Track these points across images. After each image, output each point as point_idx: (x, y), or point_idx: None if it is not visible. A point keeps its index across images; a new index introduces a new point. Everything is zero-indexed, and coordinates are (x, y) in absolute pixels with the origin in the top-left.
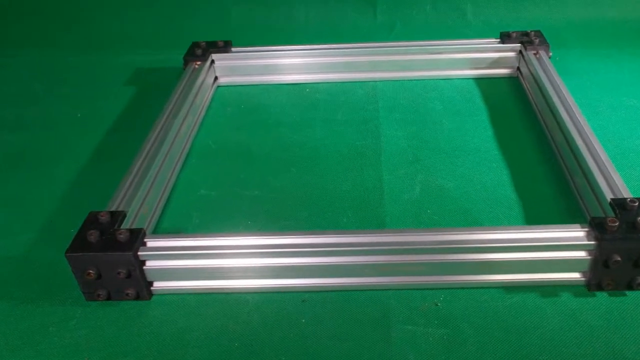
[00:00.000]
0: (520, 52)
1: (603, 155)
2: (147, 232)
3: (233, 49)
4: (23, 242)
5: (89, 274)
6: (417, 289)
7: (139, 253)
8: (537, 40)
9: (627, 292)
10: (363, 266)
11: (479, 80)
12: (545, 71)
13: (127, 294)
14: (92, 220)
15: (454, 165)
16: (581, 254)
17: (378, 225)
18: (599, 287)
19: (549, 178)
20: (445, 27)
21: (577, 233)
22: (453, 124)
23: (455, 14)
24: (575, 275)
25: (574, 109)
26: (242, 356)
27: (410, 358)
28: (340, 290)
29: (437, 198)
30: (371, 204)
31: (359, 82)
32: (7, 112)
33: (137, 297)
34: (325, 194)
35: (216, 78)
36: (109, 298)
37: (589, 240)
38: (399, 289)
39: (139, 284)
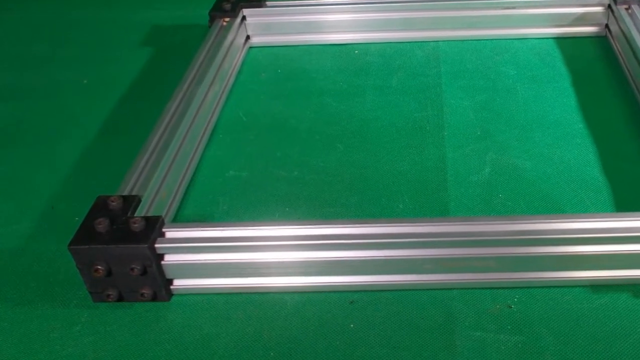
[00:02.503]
0: (609, 6)
1: None
2: (165, 221)
3: (268, 3)
4: (19, 232)
5: (97, 270)
6: (487, 288)
7: (157, 245)
8: None
9: None
10: (422, 261)
11: (559, 40)
12: (639, 29)
13: (142, 294)
14: (100, 207)
15: (531, 141)
16: None
17: (440, 212)
18: None
19: None
20: None
21: None
22: (529, 92)
23: None
24: None
25: None
26: None
27: None
28: (396, 290)
29: (511, 180)
30: (432, 187)
31: (417, 42)
32: (0, 77)
33: (154, 298)
34: (377, 175)
35: (248, 37)
36: (120, 299)
37: None
38: (465, 288)
39: (156, 283)
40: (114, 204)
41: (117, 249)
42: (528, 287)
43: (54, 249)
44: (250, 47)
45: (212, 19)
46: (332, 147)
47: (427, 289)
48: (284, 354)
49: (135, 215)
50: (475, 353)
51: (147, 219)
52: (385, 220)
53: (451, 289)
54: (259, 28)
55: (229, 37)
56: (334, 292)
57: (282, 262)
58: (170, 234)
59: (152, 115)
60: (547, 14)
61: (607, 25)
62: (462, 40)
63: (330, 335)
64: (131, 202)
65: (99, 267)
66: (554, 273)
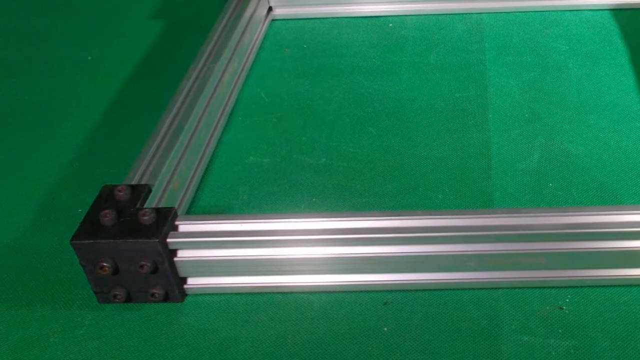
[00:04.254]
0: None
1: None
2: (179, 213)
3: None
4: (16, 225)
5: (102, 267)
6: (536, 288)
7: (169, 240)
8: None
9: None
10: (464, 257)
11: (616, 12)
12: None
13: (152, 295)
14: (106, 197)
15: (585, 124)
16: None
17: (484, 203)
18: None
19: None
20: None
21: None
22: (582, 70)
23: None
24: None
25: None
26: None
27: None
28: (434, 290)
29: (562, 167)
30: (475, 175)
31: (458, 14)
32: None
33: (166, 299)
34: (414, 162)
35: (270, 9)
36: (128, 300)
37: None
38: (511, 288)
39: (168, 281)
40: (121, 194)
41: (124, 244)
42: (581, 287)
43: (55, 243)
44: (273, 20)
45: None
46: (363, 131)
47: (470, 289)
48: None
49: (145, 206)
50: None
51: (158, 210)
52: (423, 212)
53: (496, 288)
54: None
55: (250, 9)
56: (366, 292)
57: (308, 259)
58: (184, 227)
59: (163, 95)
60: None
61: None
62: (508, 12)
63: (361, 340)
64: (140, 192)
65: (105, 264)
66: (610, 271)
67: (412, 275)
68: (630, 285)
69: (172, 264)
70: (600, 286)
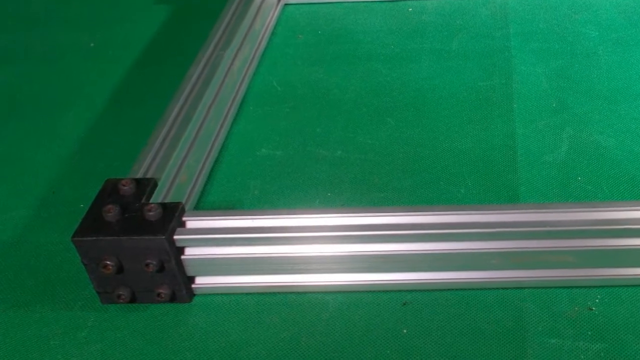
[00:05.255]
0: None
1: None
2: (186, 208)
3: None
4: (14, 221)
5: (105, 266)
6: (564, 287)
7: (176, 237)
8: None
9: None
10: (488, 255)
11: None
12: None
13: (159, 295)
14: (110, 191)
15: (615, 114)
16: None
17: (509, 198)
18: None
19: None
20: None
21: None
22: (613, 58)
23: None
24: None
25: None
26: None
27: None
28: (456, 290)
29: (592, 160)
30: (500, 168)
31: None
32: None
33: (173, 299)
34: (435, 155)
35: None
36: (133, 300)
37: None
38: (538, 287)
39: (175, 281)
40: (125, 188)
41: (129, 241)
42: (612, 286)
43: (55, 240)
44: (286, 4)
45: None
46: (381, 121)
47: (494, 288)
48: None
49: (150, 201)
50: None
51: (164, 206)
52: (444, 208)
53: (522, 288)
54: None
55: None
56: (384, 292)
57: (323, 257)
58: (192, 223)
59: (170, 84)
60: None
61: None
62: None
63: (379, 343)
64: (146, 186)
65: (108, 262)
66: None
67: (432, 274)
68: None
69: (179, 262)
70: (631, 286)
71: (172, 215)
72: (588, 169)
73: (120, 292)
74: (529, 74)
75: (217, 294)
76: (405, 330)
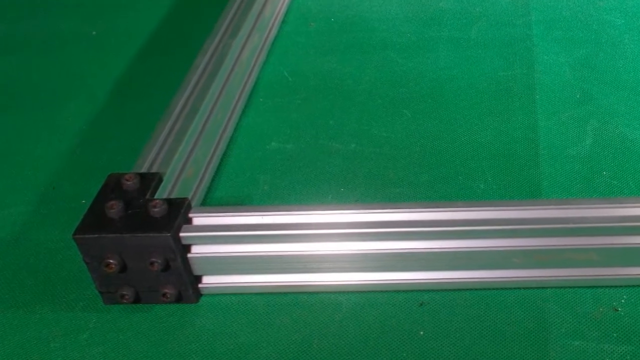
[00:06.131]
0: None
1: None
2: (193, 204)
3: None
4: (13, 217)
5: (108, 265)
6: (588, 287)
7: (182, 234)
8: None
9: None
10: (509, 253)
11: None
12: None
13: (164, 295)
14: (113, 187)
15: None
16: None
17: (531, 193)
18: None
19: None
20: None
21: None
22: None
23: None
24: None
25: None
26: None
27: None
28: (475, 290)
29: (618, 154)
30: (521, 162)
31: None
32: None
33: (179, 299)
34: (453, 148)
35: None
36: (137, 300)
37: None
38: (561, 287)
39: (181, 280)
40: (129, 183)
41: (133, 238)
42: (638, 286)
43: (56, 238)
44: None
45: None
46: (397, 113)
47: (515, 288)
48: None
49: (155, 197)
50: None
51: (170, 201)
52: (463, 204)
53: (544, 287)
54: None
55: None
56: (400, 292)
57: (336, 255)
58: (199, 220)
59: (176, 74)
60: None
61: None
62: None
63: (394, 345)
64: (150, 181)
65: (111, 261)
66: None
67: (450, 273)
68: None
69: (186, 261)
70: None
71: (178, 211)
72: (613, 163)
73: (124, 292)
74: (551, 63)
75: (225, 294)
76: (422, 332)
